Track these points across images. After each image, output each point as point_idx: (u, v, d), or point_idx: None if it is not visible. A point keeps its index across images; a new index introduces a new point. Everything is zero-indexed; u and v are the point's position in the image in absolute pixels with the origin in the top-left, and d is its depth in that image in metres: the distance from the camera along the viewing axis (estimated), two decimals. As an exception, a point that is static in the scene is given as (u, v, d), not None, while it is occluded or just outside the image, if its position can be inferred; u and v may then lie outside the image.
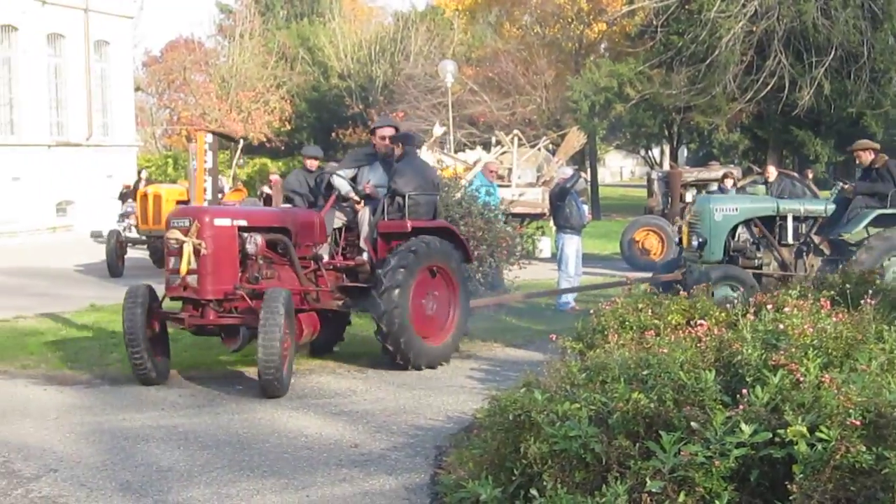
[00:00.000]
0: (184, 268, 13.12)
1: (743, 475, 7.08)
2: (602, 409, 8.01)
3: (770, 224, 18.38)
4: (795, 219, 18.27)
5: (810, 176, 32.94)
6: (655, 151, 62.59)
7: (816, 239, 18.22)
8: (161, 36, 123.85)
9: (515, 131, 35.75)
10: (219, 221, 13.47)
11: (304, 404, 12.43)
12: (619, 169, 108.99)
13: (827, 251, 18.20)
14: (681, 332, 10.44)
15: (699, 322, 10.38)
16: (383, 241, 15.05)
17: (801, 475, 6.61)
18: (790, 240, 18.29)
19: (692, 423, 7.33)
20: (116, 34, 49.65)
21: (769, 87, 41.22)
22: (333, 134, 69.32)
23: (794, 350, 8.42)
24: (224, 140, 16.92)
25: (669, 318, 11.49)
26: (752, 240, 18.30)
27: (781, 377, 7.75)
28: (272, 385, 12.53)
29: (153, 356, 13.41)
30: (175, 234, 13.16)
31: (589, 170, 56.03)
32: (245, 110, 67.09)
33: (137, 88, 61.29)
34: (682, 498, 6.96)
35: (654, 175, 31.78)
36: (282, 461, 9.98)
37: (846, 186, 18.72)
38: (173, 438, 10.87)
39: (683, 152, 59.79)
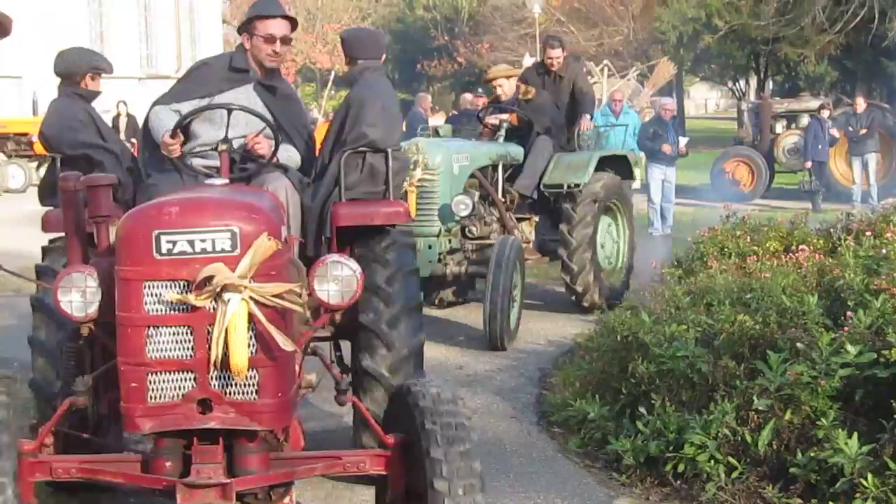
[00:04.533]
0: (239, 359, 5.07)
1: (847, 395, 7.29)
2: (708, 331, 8.25)
3: (484, 177, 13.52)
4: (501, 168, 13.74)
5: (902, 106, 32.71)
6: (741, 83, 62.16)
7: (513, 194, 13.75)
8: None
9: (605, 62, 35.74)
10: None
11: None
12: (703, 101, 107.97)
13: (511, 207, 13.72)
14: (778, 258, 10.60)
15: (800, 247, 10.54)
16: (337, 240, 7.48)
17: (906, 394, 6.79)
18: (501, 196, 13.64)
19: (798, 344, 7.55)
20: (204, -34, 50.01)
21: (858, 18, 40.73)
22: (419, 66, 69.43)
23: (895, 275, 8.54)
24: None
25: (767, 244, 11.65)
26: (469, 200, 12.61)
27: (883, 301, 7.89)
28: None
29: None
30: (217, 271, 5.08)
31: (675, 101, 55.62)
32: (331, 42, 67.19)
33: (224, 21, 61.69)
34: (788, 416, 7.21)
35: (745, 106, 31.69)
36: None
37: (495, 118, 14.17)
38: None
39: (769, 85, 59.32)
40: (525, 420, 9.07)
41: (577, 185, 13.30)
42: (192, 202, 5.33)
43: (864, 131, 26.43)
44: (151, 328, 5.11)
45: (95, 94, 8.58)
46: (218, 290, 5.01)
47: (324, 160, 7.65)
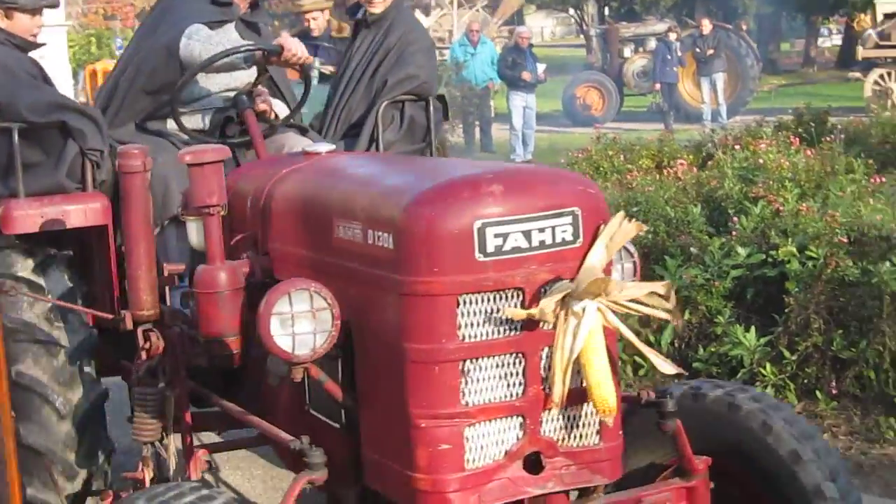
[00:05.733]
0: (608, 393, 3.69)
1: (740, 294, 7.88)
2: (601, 241, 8.70)
3: None
4: None
5: (744, 27, 33.73)
6: (581, 10, 63.10)
7: None
8: None
9: (455, -8, 36.20)
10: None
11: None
12: (540, 29, 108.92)
13: None
14: (652, 174, 11.14)
15: (679, 162, 11.10)
16: None
17: (796, 290, 7.38)
18: None
19: (692, 249, 8.09)
20: None
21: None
22: None
23: (771, 183, 9.11)
24: None
25: (640, 162, 12.24)
26: None
27: (762, 207, 8.47)
28: None
29: None
30: (593, 274, 3.67)
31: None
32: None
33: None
34: (686, 316, 7.75)
35: (593, 32, 32.37)
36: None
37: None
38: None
39: (606, 10, 60.38)
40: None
41: None
42: (517, 176, 3.82)
43: (711, 52, 27.25)
44: (469, 362, 3.62)
45: (33, 45, 5.91)
46: (562, 297, 3.60)
47: (349, 114, 6.33)
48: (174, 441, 4.39)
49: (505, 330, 3.62)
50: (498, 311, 3.59)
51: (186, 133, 5.68)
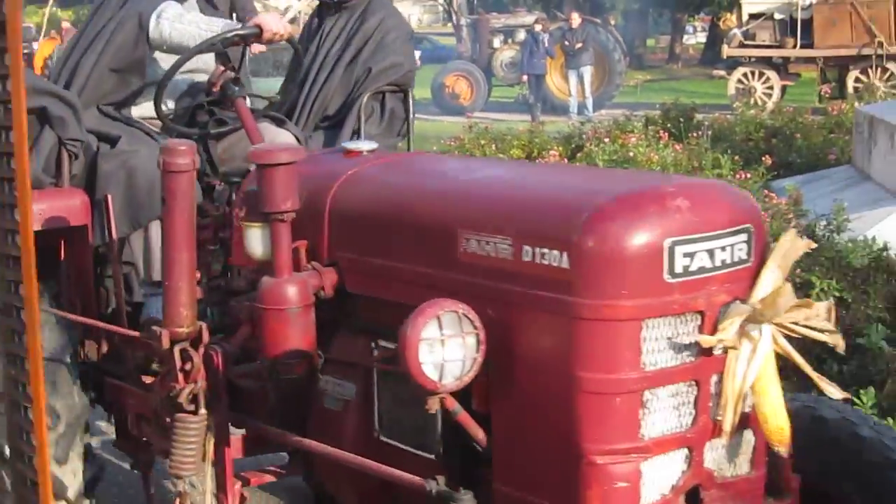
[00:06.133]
0: (783, 422, 3.48)
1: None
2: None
3: None
4: None
5: (612, 22, 34.26)
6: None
7: None
8: None
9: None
10: None
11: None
12: (407, 17, 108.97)
13: None
14: (523, 164, 11.41)
15: (551, 152, 11.36)
16: None
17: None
18: None
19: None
20: None
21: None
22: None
23: (640, 175, 9.37)
24: None
25: (511, 152, 12.50)
26: None
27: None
28: None
29: None
30: (784, 294, 3.39)
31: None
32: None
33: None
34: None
35: (463, 21, 32.62)
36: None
37: None
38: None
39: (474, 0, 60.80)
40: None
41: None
42: (698, 189, 3.54)
43: (579, 45, 27.71)
44: (649, 392, 3.32)
45: None
46: (742, 321, 3.35)
47: (324, 104, 5.87)
48: (210, 473, 4.08)
49: (683, 356, 3.33)
50: (678, 336, 3.31)
51: (165, 124, 5.21)
